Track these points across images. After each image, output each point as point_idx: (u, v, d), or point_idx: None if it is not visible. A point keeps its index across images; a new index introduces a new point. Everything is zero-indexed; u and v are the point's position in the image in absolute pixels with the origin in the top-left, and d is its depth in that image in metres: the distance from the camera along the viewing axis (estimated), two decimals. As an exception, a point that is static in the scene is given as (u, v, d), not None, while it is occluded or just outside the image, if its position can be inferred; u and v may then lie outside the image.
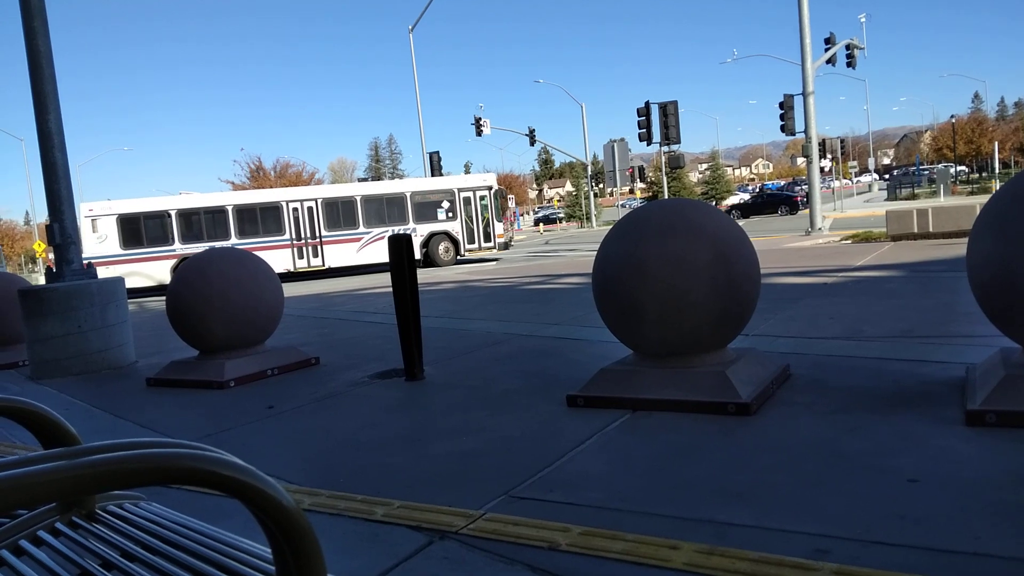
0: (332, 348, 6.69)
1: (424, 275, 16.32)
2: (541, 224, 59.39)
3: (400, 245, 4.99)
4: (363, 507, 2.70)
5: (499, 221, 24.31)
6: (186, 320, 5.53)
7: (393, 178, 79.06)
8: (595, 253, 4.06)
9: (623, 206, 44.16)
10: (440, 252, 23.12)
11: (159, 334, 8.72)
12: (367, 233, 22.64)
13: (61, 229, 6.78)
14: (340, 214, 22.63)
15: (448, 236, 23.37)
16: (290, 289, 16.70)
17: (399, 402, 4.46)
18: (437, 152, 34.38)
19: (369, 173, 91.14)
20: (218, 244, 20.63)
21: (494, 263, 21.21)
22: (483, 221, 23.79)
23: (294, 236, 22.26)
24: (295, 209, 22.32)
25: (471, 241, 23.68)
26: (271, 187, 39.59)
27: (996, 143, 54.60)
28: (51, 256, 7.31)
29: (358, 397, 4.65)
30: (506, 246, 25.20)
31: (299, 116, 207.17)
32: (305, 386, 5.11)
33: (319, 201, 22.62)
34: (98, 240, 20.56)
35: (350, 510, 2.68)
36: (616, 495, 2.61)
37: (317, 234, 22.43)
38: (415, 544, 2.34)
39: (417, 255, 22.87)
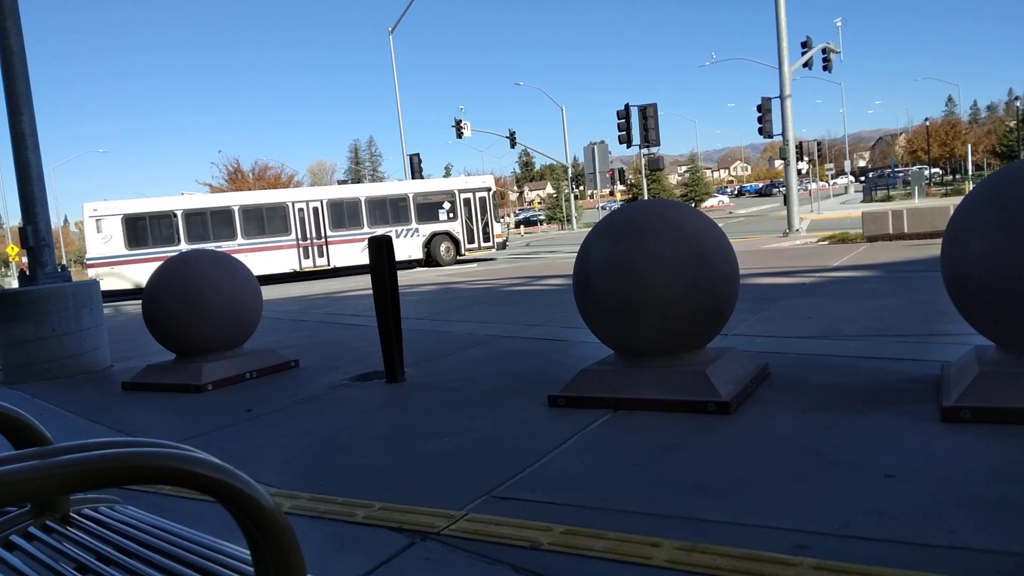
0: (312, 351, 6.64)
1: (404, 277, 16.26)
2: (522, 226, 59.48)
3: (380, 247, 4.97)
4: (344, 509, 2.68)
5: (497, 221, 24.54)
6: (163, 323, 5.46)
7: (373, 180, 78.82)
8: (575, 255, 4.07)
9: (603, 208, 44.33)
10: (442, 251, 23.42)
11: (135, 338, 8.61)
12: (371, 233, 22.74)
13: (35, 232, 6.67)
14: (345, 214, 22.74)
15: (449, 236, 23.67)
16: (288, 290, 16.59)
17: (380, 404, 4.44)
18: (418, 154, 34.31)
19: (349, 175, 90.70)
20: (224, 244, 20.58)
21: (476, 264, 21.21)
22: (482, 222, 24.06)
23: (300, 236, 22.27)
24: (300, 210, 22.34)
25: (471, 241, 23.98)
26: (249, 189, 39.30)
27: (969, 146, 55.58)
28: (24, 259, 7.20)
29: (338, 399, 4.62)
30: (503, 246, 25.51)
31: (278, 118, 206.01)
32: (284, 389, 5.07)
33: (324, 202, 22.68)
34: (103, 240, 20.39)
35: (330, 513, 2.66)
36: (598, 494, 2.62)
37: (322, 234, 22.50)
38: (397, 546, 2.33)
39: (419, 255, 23.24)
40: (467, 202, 23.86)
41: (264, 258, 21.25)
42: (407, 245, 22.85)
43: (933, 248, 9.75)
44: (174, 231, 21.07)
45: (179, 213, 21.20)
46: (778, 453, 2.86)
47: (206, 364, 5.37)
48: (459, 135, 37.49)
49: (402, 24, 33.54)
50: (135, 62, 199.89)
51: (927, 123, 77.31)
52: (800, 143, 27.20)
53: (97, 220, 20.39)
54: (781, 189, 40.09)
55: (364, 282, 16.24)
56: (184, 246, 20.51)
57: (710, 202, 66.31)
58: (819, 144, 38.65)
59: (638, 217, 3.86)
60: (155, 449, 0.80)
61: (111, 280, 19.85)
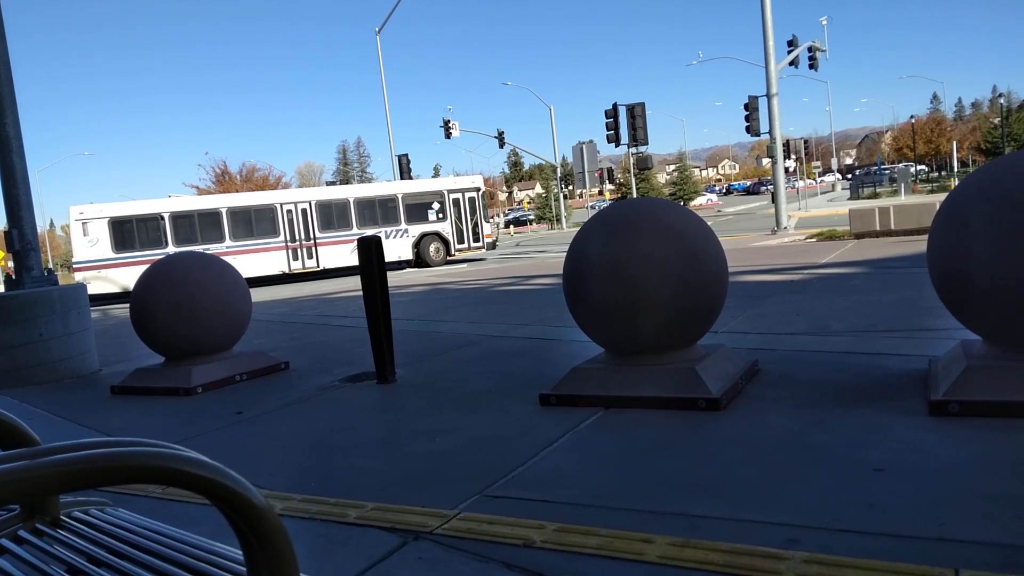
0: (302, 352, 6.62)
1: (394, 278, 16.23)
2: (511, 226, 59.46)
3: (369, 247, 4.96)
4: (336, 510, 2.67)
5: (486, 221, 24.52)
6: (151, 326, 5.42)
7: (362, 181, 78.67)
8: (565, 254, 4.07)
9: (592, 207, 44.38)
10: (431, 252, 23.42)
11: (123, 341, 8.55)
12: (361, 234, 22.66)
13: (20, 235, 6.62)
14: (334, 216, 22.68)
15: (439, 236, 23.68)
16: (277, 292, 16.52)
17: (371, 405, 4.43)
18: (406, 155, 34.26)
19: (337, 176, 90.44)
20: (212, 247, 20.44)
21: (466, 265, 21.20)
22: (472, 222, 24.05)
23: (288, 238, 22.20)
24: (289, 211, 22.26)
25: (460, 241, 23.98)
26: (237, 191, 39.12)
27: (954, 143, 56.09)
28: (10, 263, 7.15)
29: (329, 401, 4.61)
30: (493, 246, 25.50)
31: (265, 119, 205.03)
32: (275, 391, 5.05)
33: (313, 203, 22.61)
34: (89, 244, 20.24)
35: (322, 513, 2.66)
36: (589, 491, 2.62)
37: (311, 236, 22.43)
38: (389, 546, 2.32)
39: (409, 255, 23.16)
40: (456, 202, 23.85)
41: (253, 260, 21.15)
42: (396, 246, 22.80)
43: (919, 244, 9.81)
44: (161, 234, 20.95)
45: (166, 216, 21.09)
46: (768, 449, 2.88)
47: (195, 367, 5.34)
48: (447, 135, 37.45)
49: (389, 22, 33.48)
50: (120, 62, 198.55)
51: (913, 121, 77.88)
52: (787, 141, 27.33)
53: (83, 223, 20.26)
54: (769, 187, 40.32)
55: (354, 283, 16.19)
56: (172, 249, 20.38)
57: (698, 200, 66.52)
58: (806, 142, 38.89)
59: (628, 215, 3.87)
60: (146, 448, 0.80)
61: (98, 284, 19.71)
